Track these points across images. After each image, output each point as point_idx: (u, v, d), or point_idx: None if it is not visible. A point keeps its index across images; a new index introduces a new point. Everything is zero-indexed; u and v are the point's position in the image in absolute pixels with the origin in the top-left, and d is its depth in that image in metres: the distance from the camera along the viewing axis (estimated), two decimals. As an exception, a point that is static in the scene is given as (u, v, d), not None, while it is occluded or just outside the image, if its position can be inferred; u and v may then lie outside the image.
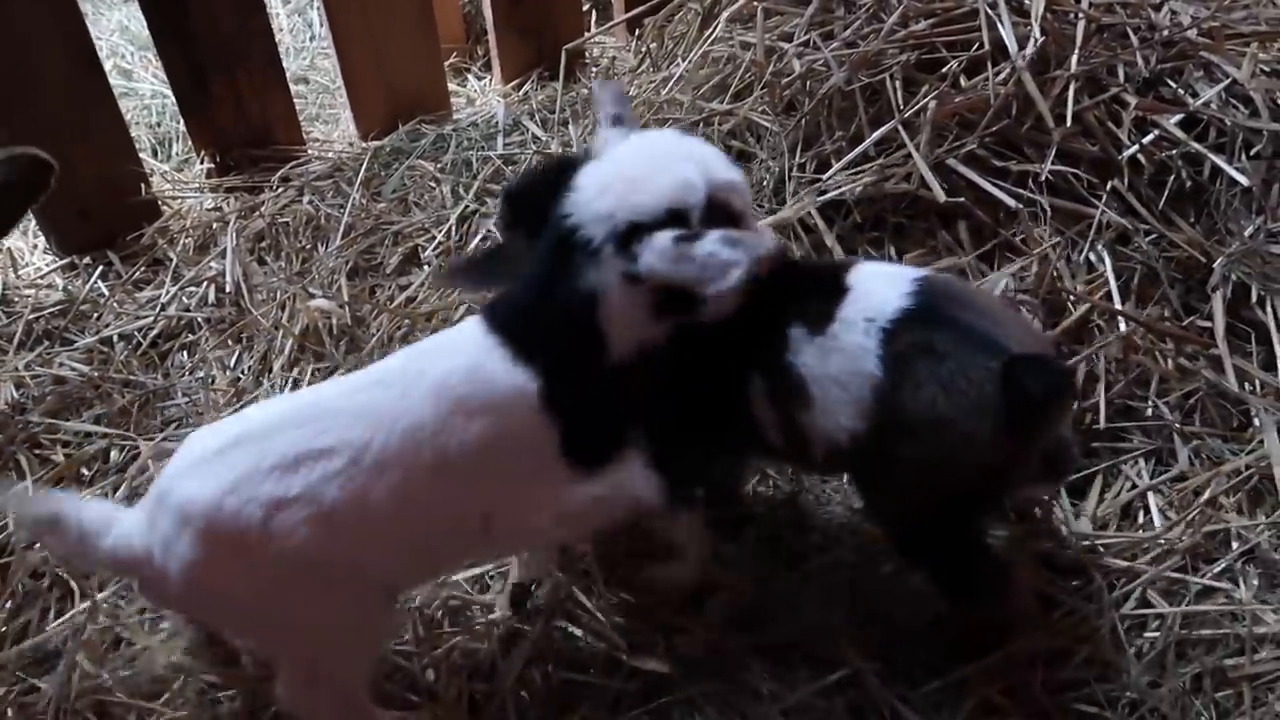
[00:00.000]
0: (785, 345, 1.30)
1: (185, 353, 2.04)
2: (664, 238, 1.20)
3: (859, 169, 1.90)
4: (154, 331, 2.06)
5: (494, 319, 1.29)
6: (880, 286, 1.29)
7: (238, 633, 1.42)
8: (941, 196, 1.80)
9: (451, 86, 2.61)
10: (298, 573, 1.21)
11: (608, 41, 2.70)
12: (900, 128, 1.86)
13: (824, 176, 1.91)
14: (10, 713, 1.57)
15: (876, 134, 1.89)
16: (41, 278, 2.24)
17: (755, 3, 2.12)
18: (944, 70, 1.93)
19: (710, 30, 2.19)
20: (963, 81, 1.92)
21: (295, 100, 2.41)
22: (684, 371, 1.32)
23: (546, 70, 2.64)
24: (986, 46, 1.92)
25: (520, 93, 2.58)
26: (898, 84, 1.91)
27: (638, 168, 1.26)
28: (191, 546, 1.19)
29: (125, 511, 1.26)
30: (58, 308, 2.13)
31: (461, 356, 1.26)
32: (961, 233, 1.88)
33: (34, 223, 2.29)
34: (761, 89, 2.04)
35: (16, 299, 2.17)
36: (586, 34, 2.72)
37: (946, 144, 1.89)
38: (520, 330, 1.26)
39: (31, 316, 2.10)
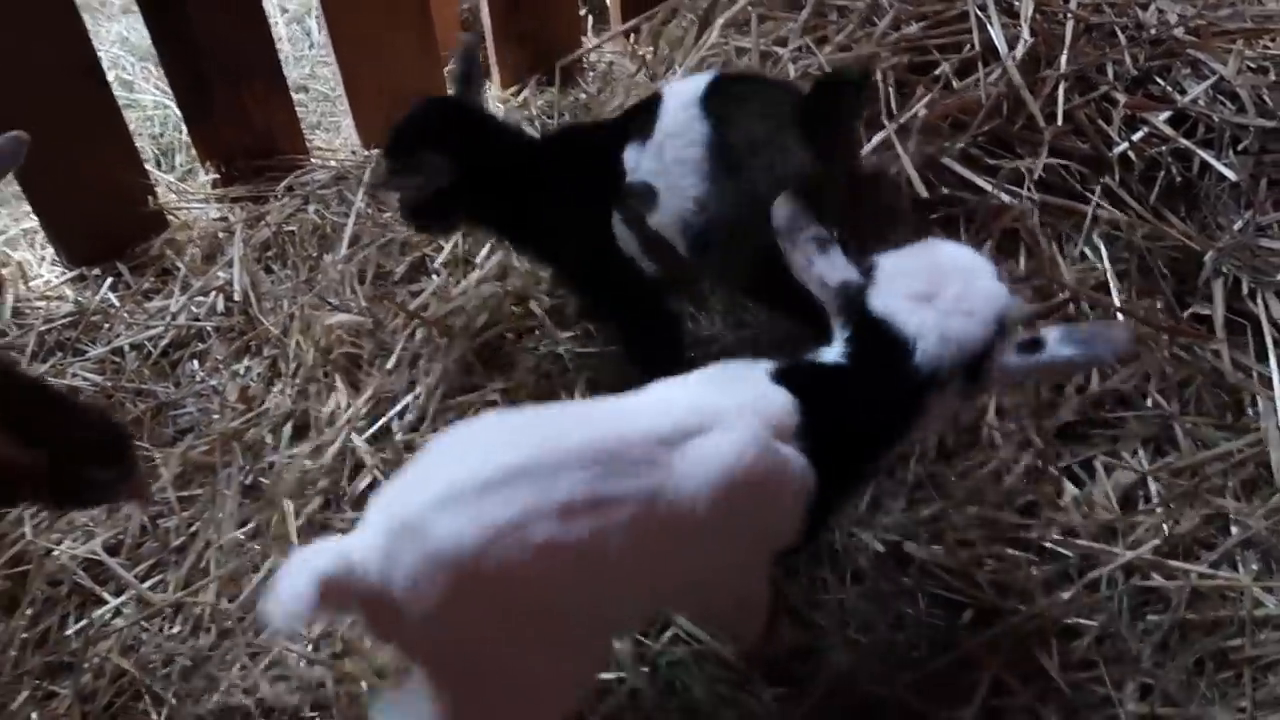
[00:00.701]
0: (622, 169, 1.52)
1: (196, 361, 2.07)
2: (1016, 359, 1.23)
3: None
4: (164, 341, 2.09)
5: (804, 398, 1.22)
6: (685, 84, 1.54)
7: (450, 674, 1.19)
8: (924, 192, 1.83)
9: (449, 92, 2.64)
10: (557, 620, 1.15)
11: (605, 47, 2.74)
12: (892, 131, 1.90)
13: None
14: (34, 716, 1.61)
15: (875, 139, 1.92)
16: (51, 290, 2.26)
17: (750, 8, 2.16)
18: (936, 72, 1.97)
19: (706, 35, 2.23)
20: (954, 83, 1.96)
21: (296, 109, 2.44)
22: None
23: (544, 76, 2.67)
24: (977, 48, 1.96)
25: (519, 99, 2.61)
26: (890, 87, 1.95)
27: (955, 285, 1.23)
28: (446, 589, 1.08)
29: (349, 541, 1.12)
30: (69, 319, 2.16)
31: (754, 429, 1.18)
32: (952, 230, 1.92)
33: (42, 235, 2.33)
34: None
35: (28, 311, 2.20)
36: (583, 39, 2.76)
37: (939, 143, 1.93)
38: (830, 419, 1.23)
39: (43, 328, 2.13)
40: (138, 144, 2.34)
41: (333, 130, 2.67)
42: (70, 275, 2.28)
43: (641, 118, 1.54)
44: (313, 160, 2.43)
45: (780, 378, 1.24)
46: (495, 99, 2.68)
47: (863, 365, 1.25)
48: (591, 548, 1.10)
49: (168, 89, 2.63)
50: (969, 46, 1.97)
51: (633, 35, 2.61)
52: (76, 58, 2.08)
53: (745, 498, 1.17)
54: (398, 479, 1.17)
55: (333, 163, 2.45)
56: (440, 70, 2.55)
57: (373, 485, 1.76)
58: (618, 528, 1.11)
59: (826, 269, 1.26)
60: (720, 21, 2.19)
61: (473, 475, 1.10)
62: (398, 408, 1.86)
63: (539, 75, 2.68)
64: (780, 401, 1.21)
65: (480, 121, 1.81)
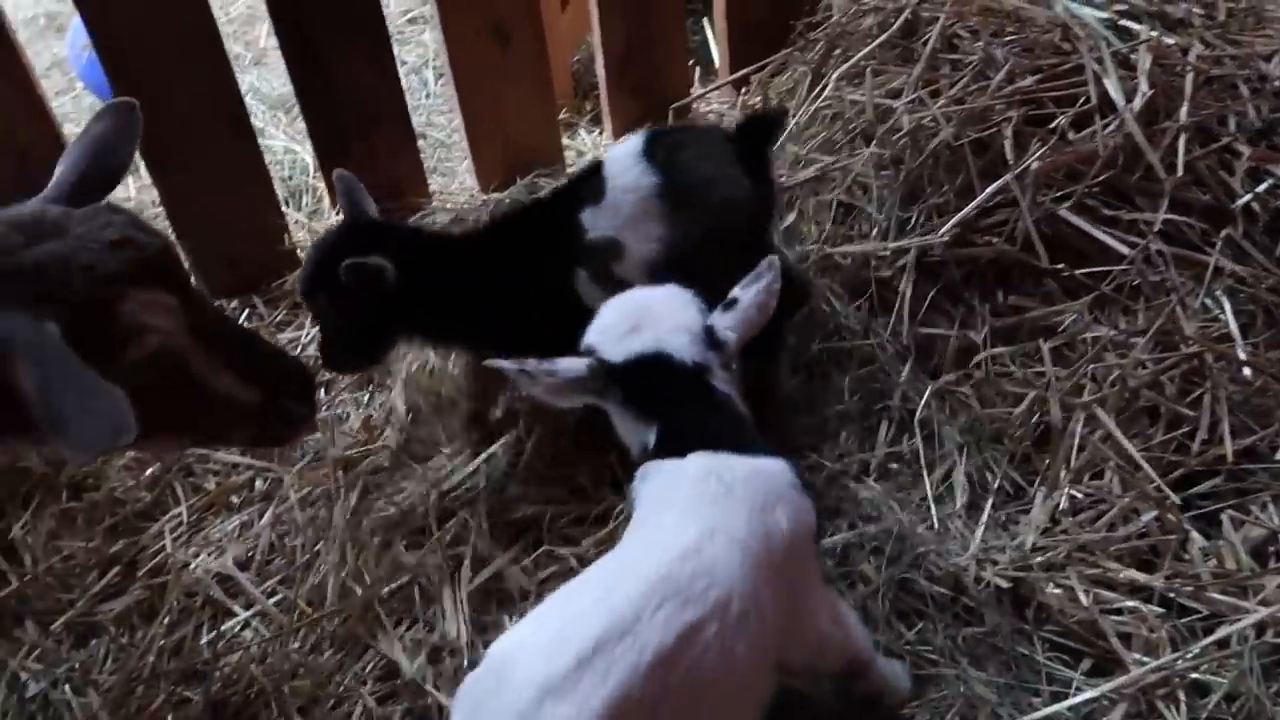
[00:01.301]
0: (582, 231, 1.67)
1: (323, 390, 2.17)
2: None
3: (958, 223, 1.95)
4: (294, 370, 2.20)
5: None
6: (622, 146, 1.72)
7: None
8: (1045, 260, 1.85)
9: (563, 140, 2.75)
10: None
11: (712, 97, 2.82)
12: (1013, 181, 1.92)
13: (939, 233, 1.96)
14: (169, 718, 1.69)
15: (991, 188, 1.94)
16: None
17: (864, 63, 2.21)
18: (1052, 125, 1.99)
19: (819, 88, 2.28)
20: (1070, 135, 1.98)
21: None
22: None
23: (655, 124, 2.77)
24: (1094, 100, 1.97)
25: (629, 147, 2.70)
26: (1006, 140, 1.97)
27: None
28: None
29: None
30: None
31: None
32: (1071, 281, 1.93)
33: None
34: (873, 145, 2.12)
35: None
36: (693, 89, 2.85)
37: (1053, 194, 1.93)
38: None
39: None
40: (272, 186, 2.49)
41: (448, 175, 2.79)
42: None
43: (589, 183, 1.71)
44: (434, 203, 2.54)
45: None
46: (607, 147, 2.78)
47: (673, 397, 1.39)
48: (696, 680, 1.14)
49: (295, 135, 2.84)
50: (1085, 99, 1.98)
51: (743, 87, 2.69)
52: (226, 108, 2.24)
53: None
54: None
55: (450, 205, 2.56)
56: (556, 120, 2.67)
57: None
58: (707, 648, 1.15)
59: (563, 370, 1.39)
60: (835, 75, 2.24)
61: (563, 658, 1.12)
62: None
63: (650, 124, 2.77)
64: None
65: (407, 230, 1.95)
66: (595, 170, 1.72)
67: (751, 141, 1.68)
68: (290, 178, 2.80)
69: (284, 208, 2.60)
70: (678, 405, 1.38)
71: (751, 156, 1.67)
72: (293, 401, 1.55)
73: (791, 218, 2.19)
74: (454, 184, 2.74)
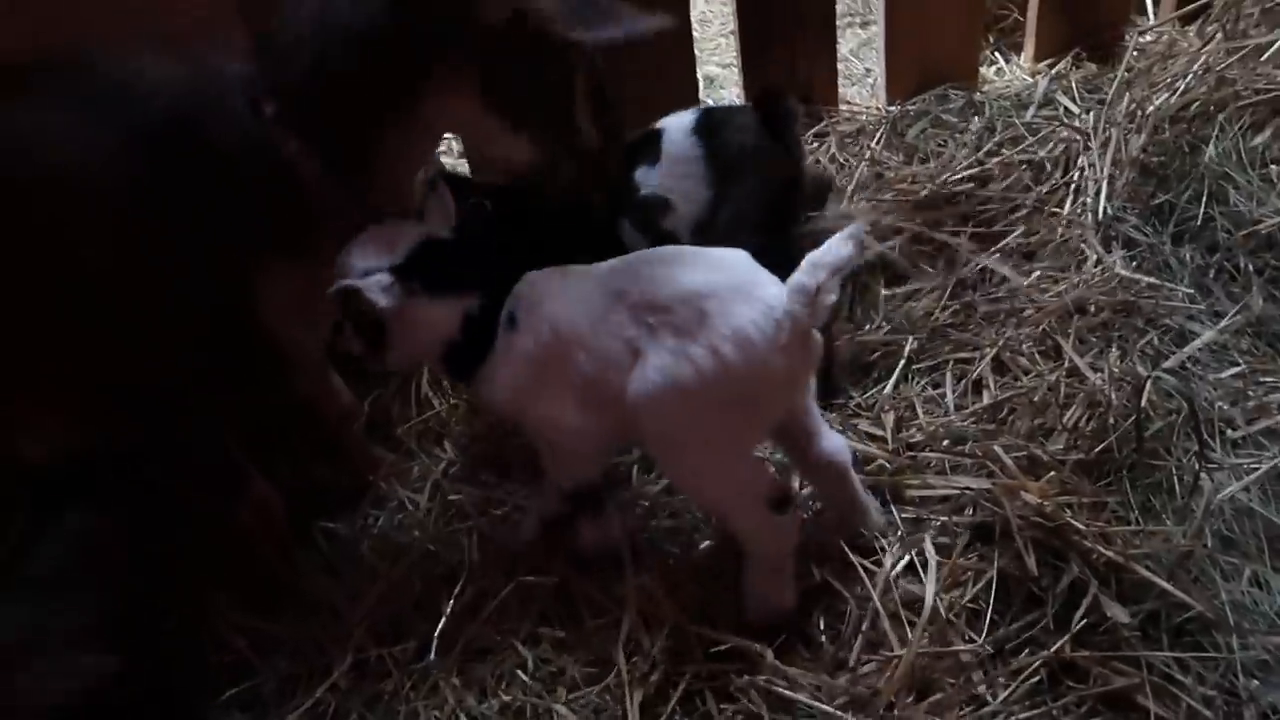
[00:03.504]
0: (636, 188, 1.81)
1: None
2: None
3: None
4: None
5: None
6: (678, 118, 1.84)
7: None
8: None
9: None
10: None
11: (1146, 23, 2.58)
12: None
13: None
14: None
15: None
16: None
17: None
18: None
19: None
20: None
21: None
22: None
23: (1083, 51, 2.58)
24: None
25: (1054, 70, 2.55)
26: None
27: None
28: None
29: None
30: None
31: None
32: None
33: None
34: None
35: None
36: (1131, 15, 2.62)
37: None
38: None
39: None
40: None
41: (856, 84, 2.80)
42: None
43: (646, 148, 1.85)
44: (840, 111, 2.57)
45: None
46: (1024, 70, 2.64)
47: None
48: None
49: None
50: None
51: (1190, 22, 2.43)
52: (676, 3, 2.35)
53: None
54: None
55: (853, 116, 2.57)
56: (978, 36, 2.57)
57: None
58: None
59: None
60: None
61: None
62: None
63: (1077, 50, 2.59)
64: None
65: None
66: (653, 137, 1.87)
67: (773, 115, 1.82)
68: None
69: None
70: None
71: (778, 128, 1.82)
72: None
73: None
74: (858, 93, 2.74)
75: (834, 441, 1.53)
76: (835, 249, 1.30)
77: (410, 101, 1.45)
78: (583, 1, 1.37)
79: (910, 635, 1.44)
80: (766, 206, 1.78)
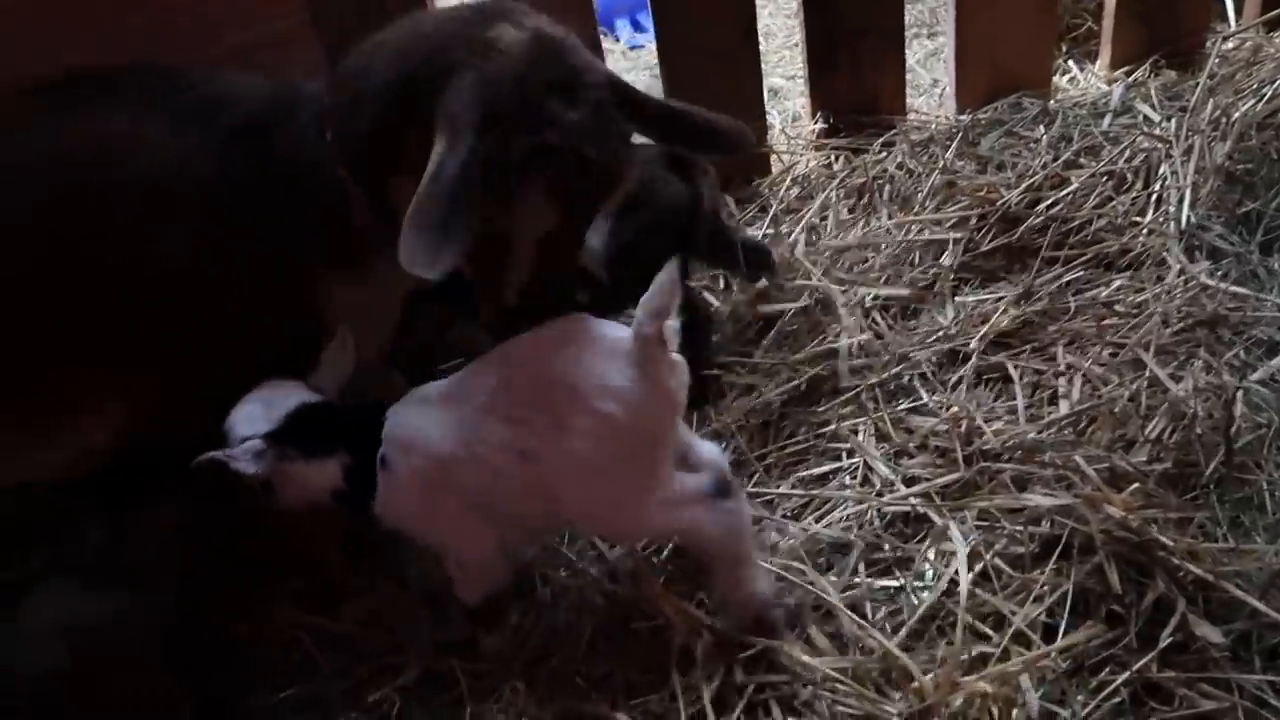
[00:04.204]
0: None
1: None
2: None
3: None
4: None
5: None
6: None
7: None
8: None
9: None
10: None
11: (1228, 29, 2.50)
12: None
13: None
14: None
15: None
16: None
17: None
18: None
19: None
20: None
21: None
22: None
23: (1161, 58, 2.51)
24: None
25: (1130, 78, 2.48)
26: None
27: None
28: None
29: None
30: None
31: None
32: None
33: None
34: None
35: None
36: (1210, 23, 2.54)
37: None
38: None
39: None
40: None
41: (926, 94, 2.76)
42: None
43: None
44: (909, 121, 2.53)
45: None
46: (1100, 77, 2.58)
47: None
48: None
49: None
50: None
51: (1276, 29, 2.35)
52: (741, 19, 2.37)
53: None
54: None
55: (922, 125, 2.52)
56: (1051, 44, 2.52)
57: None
58: None
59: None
60: None
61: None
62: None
63: (1155, 58, 2.52)
64: None
65: None
66: None
67: (680, 151, 1.86)
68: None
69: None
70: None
71: (680, 165, 1.90)
72: None
73: None
74: (927, 103, 2.70)
75: (709, 449, 1.55)
76: (662, 278, 1.34)
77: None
78: None
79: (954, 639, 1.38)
80: (658, 237, 1.82)
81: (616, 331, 1.42)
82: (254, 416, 1.49)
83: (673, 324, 1.36)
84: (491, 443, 1.41)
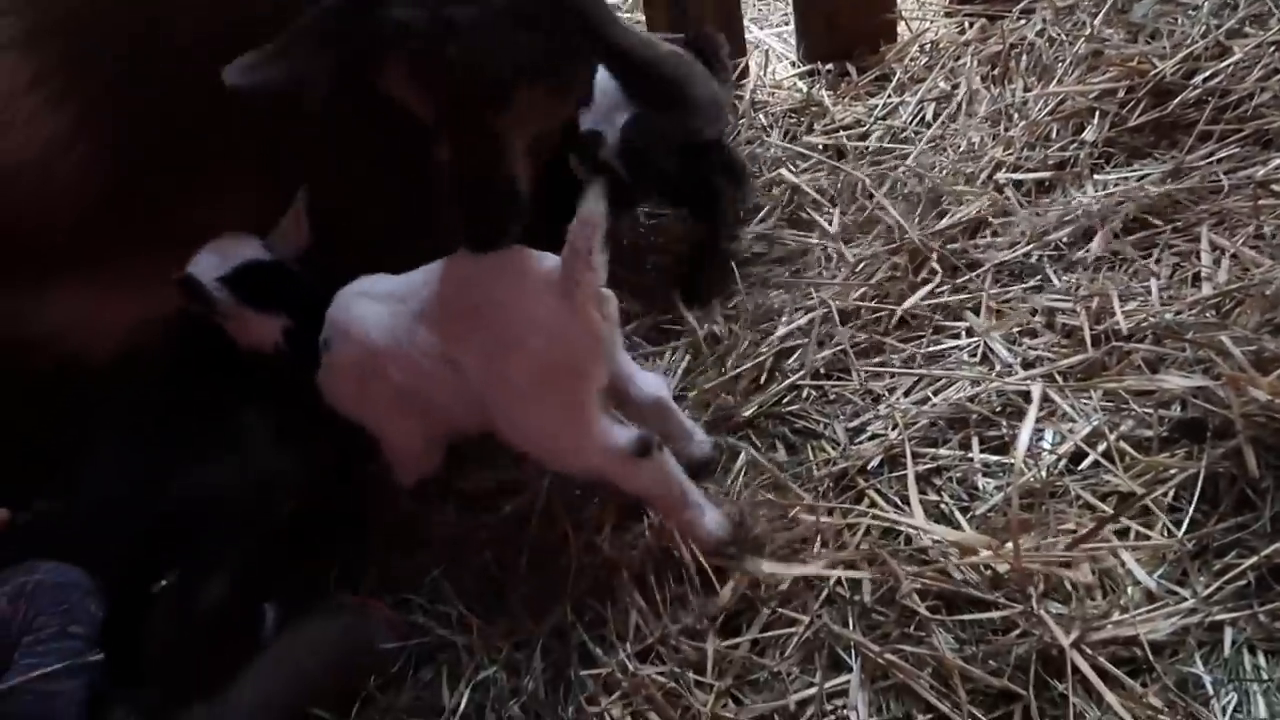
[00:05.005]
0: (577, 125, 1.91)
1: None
2: None
3: None
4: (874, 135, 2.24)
5: None
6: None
7: None
8: None
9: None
10: None
11: None
12: None
13: None
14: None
15: None
16: (786, 80, 2.53)
17: None
18: None
19: None
20: None
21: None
22: None
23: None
24: None
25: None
26: None
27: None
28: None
29: None
30: (794, 107, 2.40)
31: None
32: None
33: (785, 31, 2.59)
34: None
35: (766, 98, 2.49)
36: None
37: None
38: None
39: (777, 111, 2.40)
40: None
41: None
42: (801, 70, 2.54)
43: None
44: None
45: None
46: None
47: None
48: None
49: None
50: None
51: None
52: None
53: None
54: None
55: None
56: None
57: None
58: None
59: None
60: None
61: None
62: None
63: None
64: None
65: None
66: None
67: (702, 55, 1.87)
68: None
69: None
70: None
71: (707, 62, 1.87)
72: None
73: None
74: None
75: (650, 380, 1.57)
76: (585, 211, 1.34)
77: None
78: None
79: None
80: (681, 137, 1.89)
81: (549, 264, 1.44)
82: (210, 264, 1.62)
83: (601, 257, 1.37)
84: (422, 347, 1.47)
